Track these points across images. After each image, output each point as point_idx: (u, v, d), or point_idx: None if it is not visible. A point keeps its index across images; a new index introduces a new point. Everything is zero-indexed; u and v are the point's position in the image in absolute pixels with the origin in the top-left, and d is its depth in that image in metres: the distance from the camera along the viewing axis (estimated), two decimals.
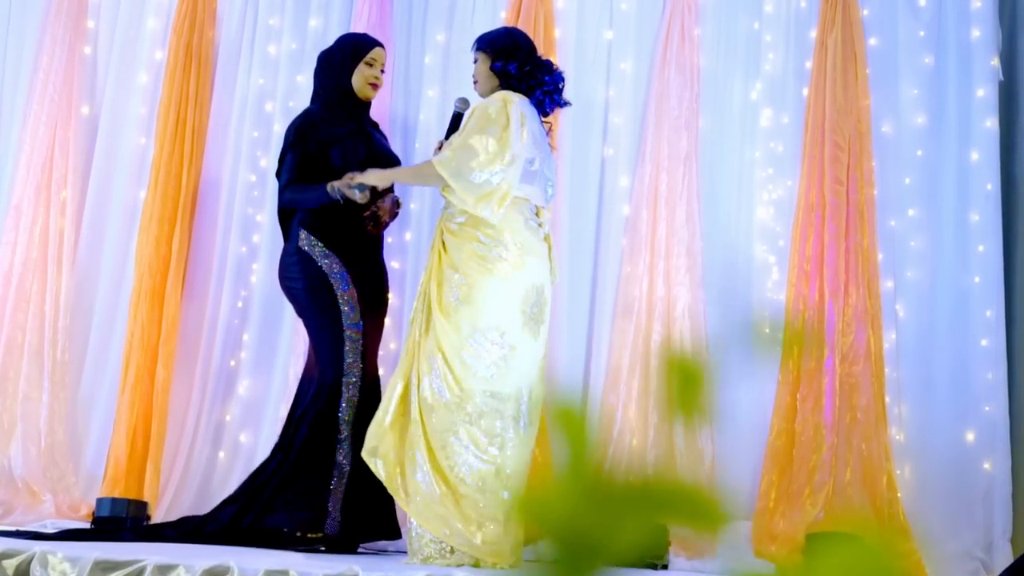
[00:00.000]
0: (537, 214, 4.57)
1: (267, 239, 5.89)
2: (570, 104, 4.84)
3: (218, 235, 5.97)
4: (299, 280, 4.84)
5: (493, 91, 4.61)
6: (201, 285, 5.94)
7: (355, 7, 6.08)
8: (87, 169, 6.12)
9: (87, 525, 5.37)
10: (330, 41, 6.04)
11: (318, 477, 4.71)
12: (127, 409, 5.69)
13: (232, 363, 5.86)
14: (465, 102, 4.72)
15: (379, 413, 4.39)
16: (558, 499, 0.63)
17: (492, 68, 4.65)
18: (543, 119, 4.66)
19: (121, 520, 5.40)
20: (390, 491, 4.32)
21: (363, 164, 4.87)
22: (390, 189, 5.03)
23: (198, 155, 6.03)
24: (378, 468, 4.30)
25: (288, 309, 5.80)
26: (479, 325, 4.31)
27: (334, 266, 4.79)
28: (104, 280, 6.01)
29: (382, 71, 5.07)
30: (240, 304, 5.91)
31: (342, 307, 4.78)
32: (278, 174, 5.06)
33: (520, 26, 5.67)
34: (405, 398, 4.35)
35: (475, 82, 4.74)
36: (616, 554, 0.61)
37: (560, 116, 5.78)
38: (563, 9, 5.97)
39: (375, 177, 4.71)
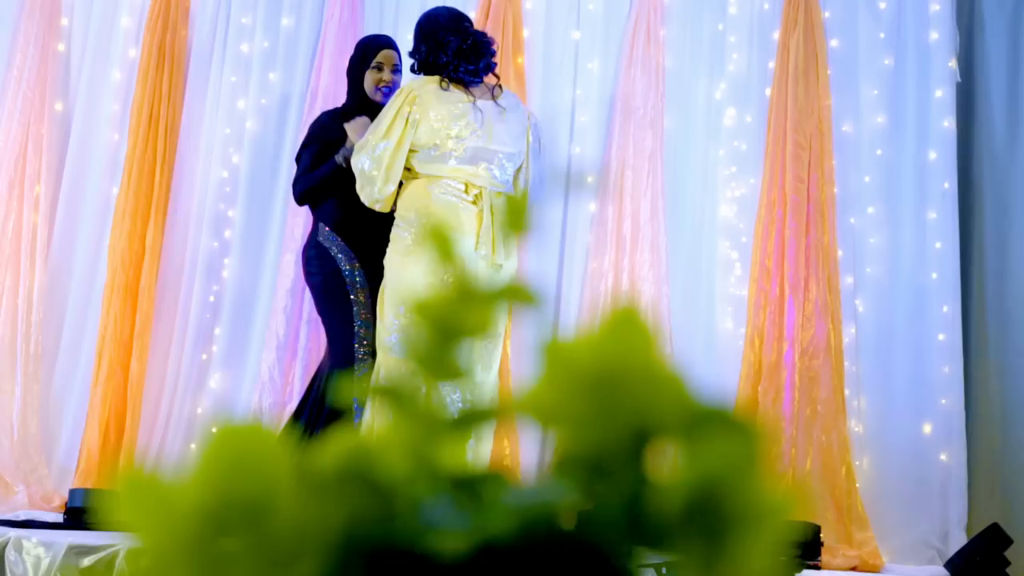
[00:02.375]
0: (465, 190, 4.64)
1: (239, 235, 5.96)
2: (495, 65, 4.87)
3: (190, 231, 6.04)
4: (316, 275, 4.89)
5: None
6: (174, 280, 6.01)
7: (327, 6, 6.15)
8: (60, 165, 6.17)
9: (60, 516, 5.43)
10: (302, 40, 6.15)
11: None
12: (100, 402, 5.76)
13: (204, 357, 5.93)
14: None
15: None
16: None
17: (412, 68, 4.88)
18: (484, 85, 4.77)
19: (93, 511, 5.46)
20: None
21: None
22: None
23: (171, 152, 6.09)
24: None
25: (260, 304, 5.89)
26: (393, 303, 4.50)
27: (349, 262, 4.84)
28: (77, 275, 6.07)
29: (393, 71, 5.09)
30: (212, 299, 5.98)
31: (354, 304, 4.83)
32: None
33: (489, 27, 5.78)
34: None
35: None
36: None
37: None
38: (531, 10, 6.07)
39: (353, 134, 4.84)
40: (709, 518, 0.57)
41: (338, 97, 5.60)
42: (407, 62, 4.99)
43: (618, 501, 0.57)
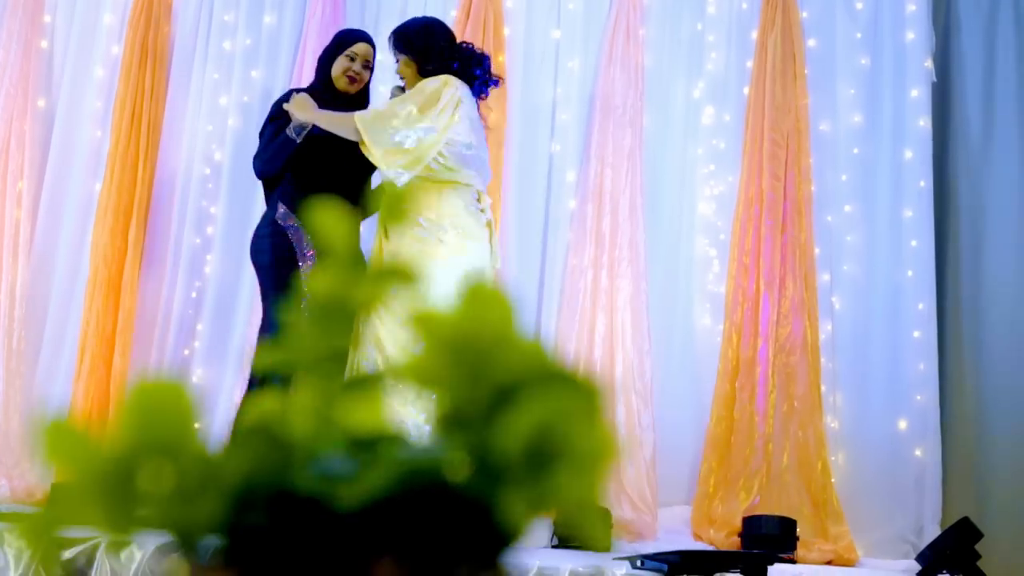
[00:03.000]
0: (479, 199, 4.64)
1: (221, 231, 5.99)
2: (502, 80, 4.92)
3: (173, 226, 6.07)
4: (267, 254, 4.78)
5: None
6: (156, 276, 6.04)
7: (309, 4, 6.19)
8: (43, 161, 6.19)
9: None
10: (284, 37, 6.18)
11: None
12: (82, 396, 5.79)
13: (186, 352, 5.96)
14: (402, 91, 4.76)
15: None
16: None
17: (421, 72, 4.67)
18: (479, 101, 4.76)
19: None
20: None
21: (333, 149, 4.80)
22: None
23: (153, 148, 6.12)
24: None
25: (242, 300, 5.92)
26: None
27: (304, 244, 4.74)
28: (59, 271, 6.09)
29: (365, 66, 4.97)
30: (194, 295, 6.01)
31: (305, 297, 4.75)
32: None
33: (470, 25, 5.83)
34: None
35: (403, 80, 4.76)
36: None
37: (508, 113, 5.93)
38: (512, 8, 6.11)
39: (298, 111, 4.66)
40: (541, 457, 0.65)
41: None
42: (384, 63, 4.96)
43: (472, 448, 0.64)
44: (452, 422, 0.66)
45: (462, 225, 4.49)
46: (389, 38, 4.85)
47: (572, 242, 5.83)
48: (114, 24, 6.31)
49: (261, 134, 4.97)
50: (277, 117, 4.86)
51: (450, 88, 4.51)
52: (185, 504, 0.65)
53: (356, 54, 4.93)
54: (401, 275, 0.71)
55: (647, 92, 5.95)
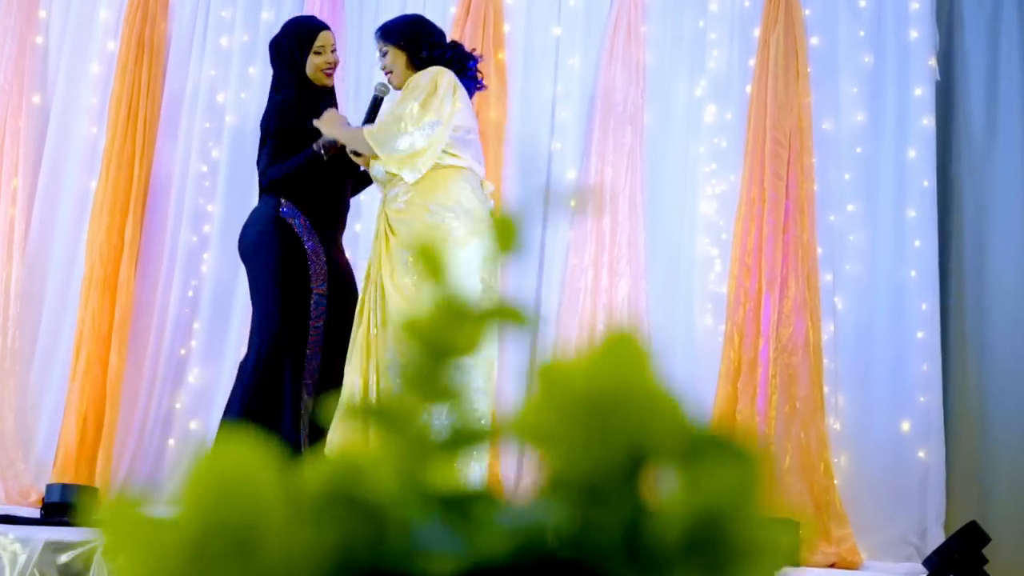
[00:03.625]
0: (482, 185, 4.53)
1: (218, 229, 5.94)
2: (486, 87, 4.83)
3: (169, 224, 6.01)
4: (271, 250, 4.62)
5: None
6: (152, 274, 5.98)
7: (307, 1, 6.14)
8: (38, 158, 6.13)
9: (37, 511, 5.40)
10: None
11: None
12: (78, 396, 5.74)
13: (183, 351, 5.91)
14: (385, 87, 4.66)
15: (338, 411, 4.24)
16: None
17: (412, 62, 4.55)
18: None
19: (71, 506, 5.44)
20: None
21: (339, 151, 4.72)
22: None
23: (150, 145, 6.07)
24: None
25: (238, 298, 5.85)
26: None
27: (313, 244, 4.61)
28: (55, 269, 6.04)
29: (333, 51, 4.87)
30: (191, 293, 5.96)
31: (313, 288, 4.61)
32: (259, 164, 4.88)
33: (469, 22, 5.78)
34: (365, 392, 4.26)
35: (388, 73, 4.62)
36: None
37: (508, 111, 5.88)
38: (512, 5, 6.06)
39: (326, 128, 4.53)
40: (709, 548, 0.56)
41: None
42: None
43: (614, 526, 0.56)
44: (572, 487, 0.58)
45: (470, 209, 4.37)
46: (376, 33, 4.72)
47: (572, 241, 5.79)
48: (110, 20, 6.25)
49: (261, 150, 4.83)
50: (275, 135, 4.72)
51: (445, 75, 4.43)
52: None
53: (324, 47, 4.83)
54: (510, 316, 0.64)
55: (648, 90, 5.91)
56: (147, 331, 5.93)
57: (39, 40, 6.27)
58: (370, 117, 4.63)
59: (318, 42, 4.83)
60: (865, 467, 5.52)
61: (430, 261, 0.63)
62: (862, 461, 5.53)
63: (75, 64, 6.23)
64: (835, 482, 5.44)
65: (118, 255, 5.90)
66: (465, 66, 4.55)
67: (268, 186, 4.75)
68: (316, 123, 4.54)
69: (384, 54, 4.63)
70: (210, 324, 5.91)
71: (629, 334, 0.60)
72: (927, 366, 5.55)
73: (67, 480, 5.58)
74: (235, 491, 0.56)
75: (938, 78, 5.82)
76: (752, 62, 5.88)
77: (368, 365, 4.28)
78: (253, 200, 5.78)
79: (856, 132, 5.81)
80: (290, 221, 4.62)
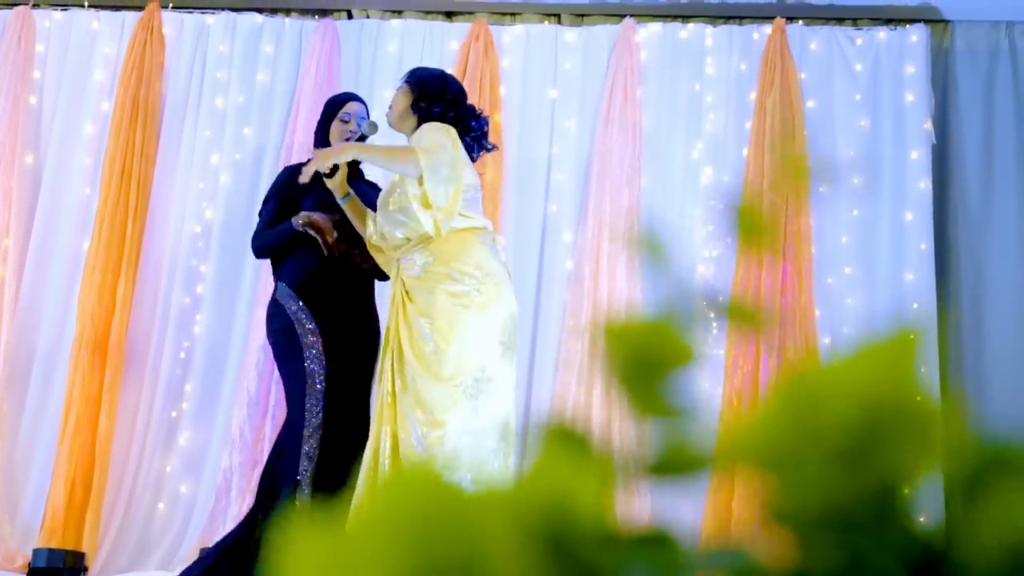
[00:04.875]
0: (495, 241, 4.42)
1: (211, 290, 5.89)
2: (496, 148, 4.75)
3: (162, 285, 5.96)
4: (271, 333, 4.66)
5: (409, 127, 4.45)
6: (144, 335, 5.92)
7: (303, 62, 6.14)
8: (30, 218, 6.09)
9: None
10: (277, 95, 6.12)
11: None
12: (66, 458, 5.65)
13: (173, 414, 5.83)
14: (374, 126, 4.63)
15: (359, 479, 4.17)
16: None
17: (412, 107, 4.45)
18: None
19: (58, 571, 5.34)
20: None
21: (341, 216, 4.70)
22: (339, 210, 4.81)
23: (143, 206, 6.03)
24: None
25: (231, 361, 5.81)
26: (463, 366, 4.12)
27: (303, 317, 4.58)
28: (45, 329, 5.97)
29: (359, 124, 4.81)
30: (183, 355, 5.89)
31: (307, 360, 4.58)
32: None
33: (466, 83, 5.76)
34: (376, 459, 4.16)
35: (389, 107, 4.53)
36: None
37: (504, 173, 5.87)
38: (509, 67, 6.08)
39: (337, 154, 4.35)
40: None
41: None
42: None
43: (887, 562, 0.49)
44: (816, 517, 0.49)
45: (492, 271, 4.25)
46: (406, 73, 4.64)
47: (569, 303, 5.75)
48: (105, 80, 6.24)
49: (260, 213, 4.83)
50: (273, 196, 4.75)
51: (450, 133, 4.34)
52: None
53: (350, 114, 4.83)
54: (742, 316, 0.57)
55: (645, 152, 5.91)
56: (138, 393, 5.85)
57: (33, 100, 6.25)
58: None
59: (345, 109, 4.83)
60: None
61: (653, 249, 0.57)
62: None
63: (69, 124, 6.21)
64: None
65: (110, 316, 5.84)
66: (468, 127, 4.48)
67: (257, 255, 4.83)
68: (314, 157, 4.37)
69: (398, 89, 4.57)
70: (202, 386, 5.83)
71: (907, 333, 0.52)
72: None
73: (54, 544, 5.49)
74: (452, 523, 0.49)
75: (934, 141, 5.83)
76: (748, 125, 5.89)
77: (381, 431, 4.16)
78: (247, 262, 5.77)
79: (853, 195, 5.80)
80: (281, 300, 4.61)
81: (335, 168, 4.43)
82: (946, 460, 0.50)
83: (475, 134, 4.50)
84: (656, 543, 0.51)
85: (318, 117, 4.97)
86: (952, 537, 0.49)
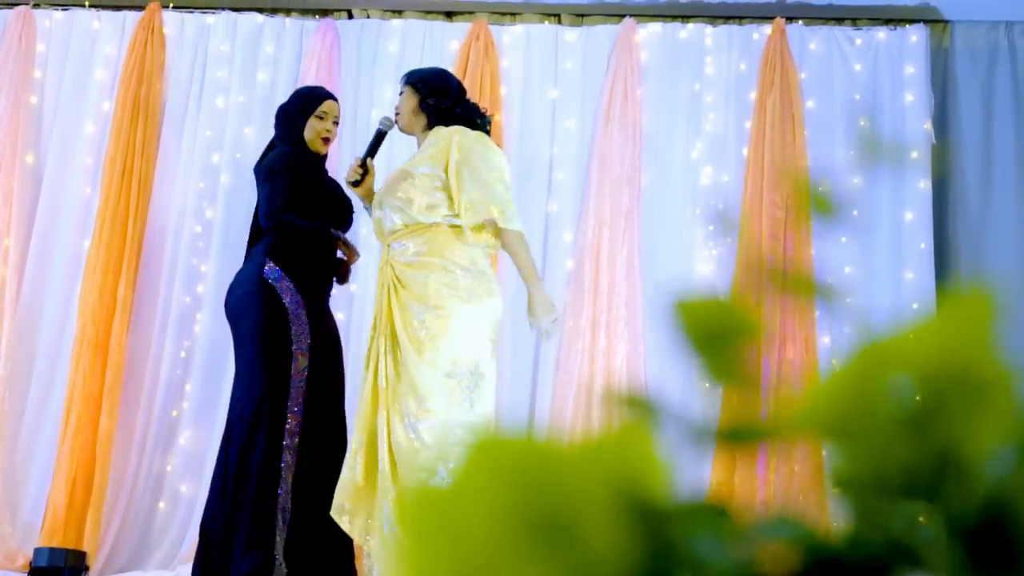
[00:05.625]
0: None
1: (211, 289, 5.89)
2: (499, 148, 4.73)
3: (162, 285, 5.97)
4: (254, 312, 4.53)
5: (420, 127, 4.50)
6: (145, 334, 5.93)
7: (303, 62, 6.15)
8: (31, 218, 6.10)
9: None
10: (278, 95, 6.11)
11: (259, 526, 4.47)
12: (67, 458, 5.65)
13: (174, 413, 5.84)
14: (391, 122, 4.59)
15: (345, 468, 4.21)
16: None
17: (421, 105, 4.49)
18: None
19: (59, 571, 5.34)
20: (363, 546, 4.24)
21: (320, 204, 4.67)
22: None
23: (143, 205, 6.03)
24: (346, 524, 4.17)
25: (231, 360, 5.76)
26: (459, 358, 4.15)
27: (295, 306, 4.51)
28: (46, 329, 5.97)
29: (335, 123, 4.85)
30: (183, 354, 5.90)
31: (295, 350, 4.54)
32: (262, 207, 4.70)
33: (467, 83, 5.75)
34: (372, 448, 4.17)
35: (397, 114, 4.56)
36: None
37: None
38: (509, 67, 6.08)
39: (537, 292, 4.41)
40: None
41: None
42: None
43: (947, 528, 0.50)
44: (881, 486, 0.50)
45: (485, 270, 4.33)
46: (402, 76, 4.68)
47: (570, 303, 5.76)
48: (105, 80, 6.25)
49: (270, 190, 4.64)
50: (284, 174, 4.61)
51: (486, 140, 4.38)
52: None
53: (326, 113, 4.81)
54: (804, 288, 0.59)
55: (645, 152, 5.92)
56: (138, 392, 5.86)
57: (33, 100, 6.26)
58: (372, 150, 4.57)
59: (322, 107, 4.81)
60: None
61: (728, 225, 0.58)
62: None
63: (69, 124, 6.21)
64: None
65: (110, 315, 5.85)
66: (474, 123, 4.51)
67: (276, 225, 4.61)
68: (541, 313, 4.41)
69: (400, 94, 4.60)
70: (202, 386, 5.84)
71: (981, 296, 0.52)
72: None
73: (55, 544, 5.50)
74: (546, 472, 0.51)
75: (934, 141, 5.84)
76: (748, 125, 5.90)
77: (377, 418, 4.19)
78: None
79: (853, 195, 5.81)
80: (273, 282, 4.54)
81: (364, 174, 4.51)
82: (1008, 428, 0.50)
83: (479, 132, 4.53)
84: (716, 512, 0.52)
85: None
86: (1008, 504, 0.50)
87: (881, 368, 0.53)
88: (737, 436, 0.55)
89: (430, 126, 4.49)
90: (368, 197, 4.54)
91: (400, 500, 0.51)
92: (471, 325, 4.19)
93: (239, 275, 4.72)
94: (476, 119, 4.52)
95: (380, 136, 4.61)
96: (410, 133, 4.58)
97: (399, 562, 0.50)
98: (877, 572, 0.51)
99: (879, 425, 0.52)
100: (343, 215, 4.78)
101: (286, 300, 4.51)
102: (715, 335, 0.59)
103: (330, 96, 4.91)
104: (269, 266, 4.55)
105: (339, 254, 4.76)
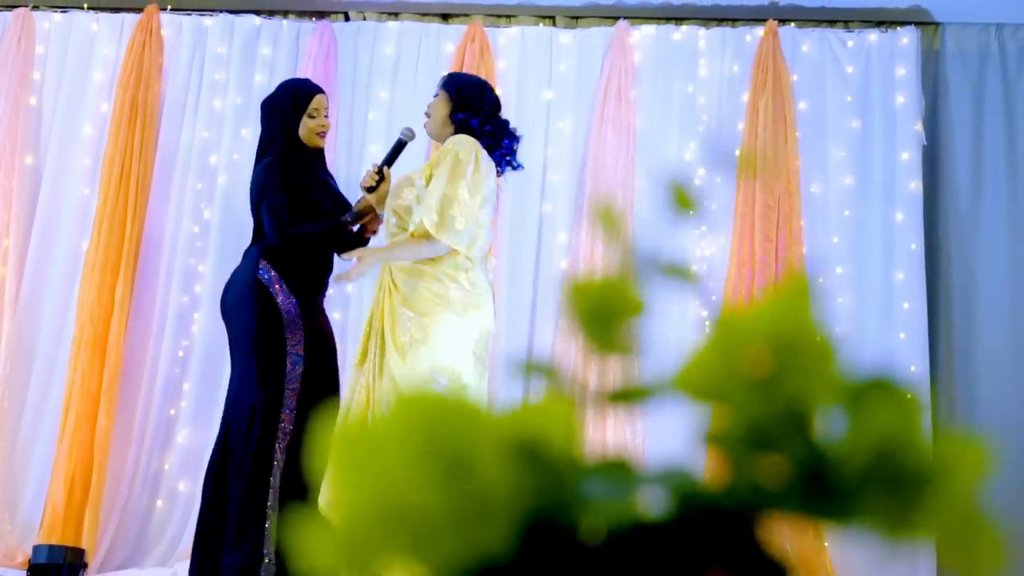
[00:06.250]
0: (486, 259, 4.49)
1: (209, 290, 5.94)
2: (523, 167, 4.69)
3: (160, 285, 6.02)
4: (248, 314, 4.55)
5: (444, 137, 4.47)
6: (143, 334, 5.98)
7: (300, 63, 6.20)
8: (30, 218, 6.14)
9: (23, 573, 5.35)
10: None
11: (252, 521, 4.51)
12: (65, 456, 5.70)
13: (172, 412, 5.89)
14: (412, 133, 4.58)
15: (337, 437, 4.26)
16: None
17: (451, 116, 4.46)
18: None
19: (58, 568, 5.39)
20: None
21: (316, 206, 4.70)
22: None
23: (142, 206, 6.08)
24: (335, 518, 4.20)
25: (228, 359, 5.83)
26: (437, 364, 4.17)
27: (289, 307, 4.53)
28: (45, 328, 6.02)
29: (326, 116, 4.82)
30: (181, 354, 5.94)
31: (288, 350, 4.58)
32: (262, 225, 4.66)
33: None
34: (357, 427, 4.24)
35: (427, 115, 4.54)
36: None
37: None
38: (504, 69, 6.13)
39: (369, 260, 4.38)
40: (890, 478, 0.60)
41: None
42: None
43: (792, 472, 0.59)
44: (741, 438, 0.61)
45: (477, 281, 4.34)
46: (442, 78, 4.68)
47: (564, 304, 5.79)
48: (104, 82, 6.29)
49: (265, 208, 4.61)
50: (279, 189, 4.59)
51: (482, 152, 4.33)
52: (466, 528, 0.60)
53: (318, 110, 4.77)
54: (678, 274, 0.68)
55: (639, 154, 5.96)
56: (136, 391, 5.91)
57: (32, 101, 6.30)
58: (390, 159, 4.56)
59: (313, 104, 4.77)
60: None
61: (608, 220, 0.67)
62: None
63: (68, 125, 6.25)
64: (825, 544, 5.42)
65: (109, 315, 5.89)
66: (500, 144, 4.51)
67: (287, 241, 4.58)
68: (355, 270, 4.38)
69: (435, 95, 4.56)
70: (200, 385, 5.89)
71: (802, 281, 0.63)
72: None
73: (54, 541, 5.54)
74: (450, 426, 0.62)
75: (924, 142, 5.89)
76: (741, 126, 5.95)
77: (368, 412, 4.23)
78: None
79: (844, 195, 5.87)
80: (267, 283, 4.56)
81: (380, 181, 4.50)
82: (831, 388, 0.62)
83: (504, 152, 4.50)
84: (614, 464, 0.62)
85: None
86: (838, 447, 0.61)
87: (734, 340, 0.63)
88: (623, 398, 0.63)
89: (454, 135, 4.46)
90: (380, 204, 4.52)
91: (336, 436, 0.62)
92: (453, 335, 4.22)
93: (234, 275, 4.74)
94: (504, 139, 4.50)
95: (400, 145, 4.59)
96: (437, 140, 4.58)
97: (331, 487, 0.62)
98: (747, 514, 0.60)
99: (736, 387, 0.62)
100: (341, 208, 4.76)
101: (280, 300, 4.53)
102: (602, 311, 0.68)
103: (318, 90, 4.85)
104: (263, 266, 4.57)
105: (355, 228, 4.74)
